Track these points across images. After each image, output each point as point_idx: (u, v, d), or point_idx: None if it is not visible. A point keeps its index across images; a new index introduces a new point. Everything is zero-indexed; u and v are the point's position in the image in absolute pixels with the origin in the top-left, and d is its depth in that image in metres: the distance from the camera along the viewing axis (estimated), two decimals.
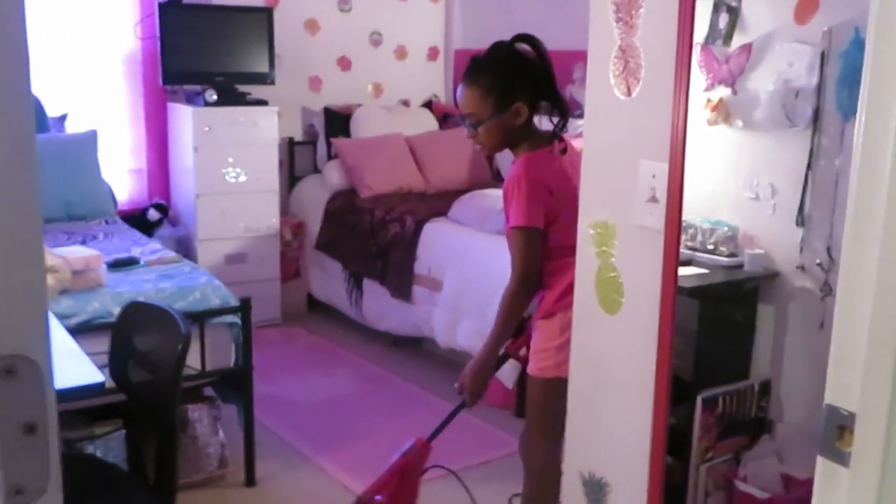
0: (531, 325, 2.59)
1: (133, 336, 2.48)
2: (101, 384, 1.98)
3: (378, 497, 2.44)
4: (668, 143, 1.70)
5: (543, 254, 2.38)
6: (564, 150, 2.41)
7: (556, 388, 2.28)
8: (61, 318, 2.84)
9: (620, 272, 1.88)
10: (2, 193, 0.71)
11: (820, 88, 2.87)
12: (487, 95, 2.31)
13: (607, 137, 1.91)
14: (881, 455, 1.05)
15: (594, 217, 1.93)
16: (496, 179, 5.28)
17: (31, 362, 0.72)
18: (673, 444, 2.21)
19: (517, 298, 2.40)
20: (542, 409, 2.53)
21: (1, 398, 0.71)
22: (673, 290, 1.75)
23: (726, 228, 3.16)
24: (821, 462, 1.13)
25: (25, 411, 0.73)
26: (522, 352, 2.62)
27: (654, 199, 1.76)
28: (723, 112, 3.15)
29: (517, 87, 2.32)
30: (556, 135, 2.40)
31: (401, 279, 4.51)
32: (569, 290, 2.21)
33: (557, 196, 2.34)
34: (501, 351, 2.62)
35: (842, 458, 1.10)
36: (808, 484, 2.96)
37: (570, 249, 2.15)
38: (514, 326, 2.49)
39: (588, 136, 1.95)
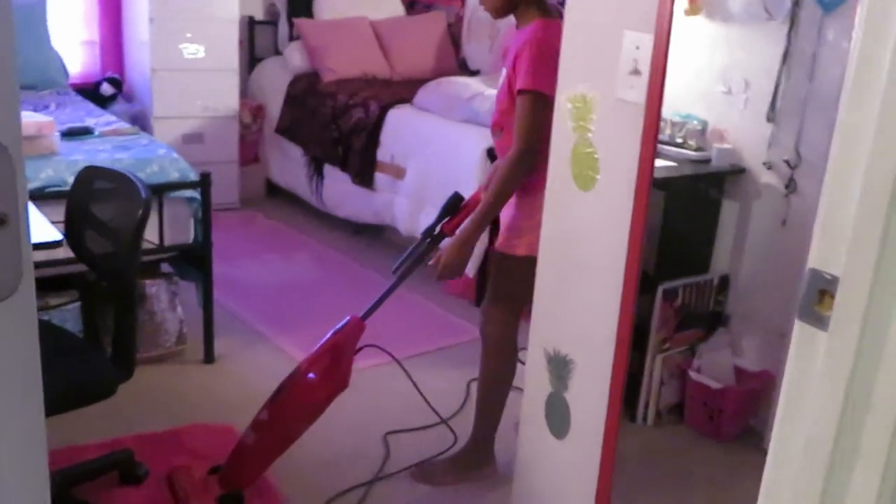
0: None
1: (90, 203, 2.40)
2: (59, 242, 1.91)
3: (310, 375, 2.40)
4: (655, 13, 1.65)
5: None
6: None
7: (525, 266, 2.27)
8: None
9: (597, 148, 1.85)
10: None
11: None
12: None
13: (590, 7, 1.85)
14: (861, 318, 1.04)
15: (573, 91, 1.88)
16: (462, 69, 5.18)
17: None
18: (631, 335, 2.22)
19: (517, 168, 2.29)
20: (507, 285, 2.51)
21: None
22: (651, 166, 1.72)
23: (696, 122, 3.14)
24: (798, 326, 1.13)
25: None
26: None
27: (636, 72, 1.71)
28: (700, 3, 3.09)
29: None
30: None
31: (363, 165, 4.44)
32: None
33: None
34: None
35: (821, 322, 1.10)
36: (759, 376, 3.04)
37: None
38: (509, 198, 2.38)
39: (570, 6, 1.89)
